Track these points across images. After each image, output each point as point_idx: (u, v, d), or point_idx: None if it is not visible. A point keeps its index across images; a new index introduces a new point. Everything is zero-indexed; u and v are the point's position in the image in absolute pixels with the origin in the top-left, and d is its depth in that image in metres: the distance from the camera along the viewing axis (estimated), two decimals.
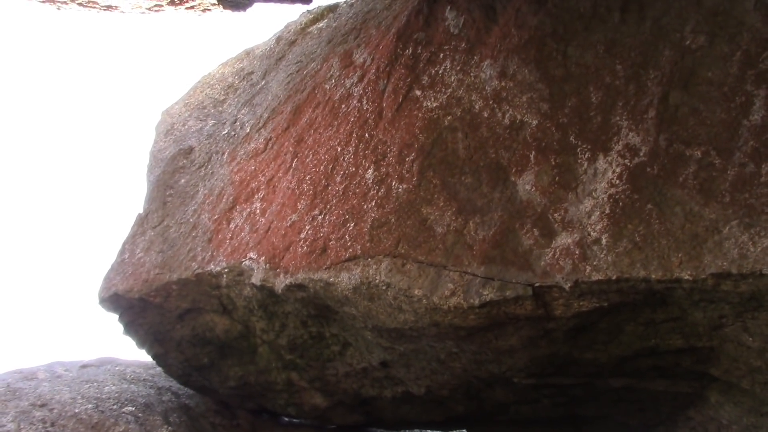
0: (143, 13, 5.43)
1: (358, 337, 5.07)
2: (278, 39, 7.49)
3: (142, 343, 6.65)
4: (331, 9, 6.95)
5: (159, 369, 7.09)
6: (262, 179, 5.73)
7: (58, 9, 5.27)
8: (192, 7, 5.38)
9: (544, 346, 4.11)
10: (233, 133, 6.68)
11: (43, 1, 5.11)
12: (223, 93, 7.54)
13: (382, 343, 4.84)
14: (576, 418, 5.33)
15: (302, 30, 7.14)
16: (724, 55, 3.56)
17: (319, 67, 6.09)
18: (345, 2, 6.78)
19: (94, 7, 5.27)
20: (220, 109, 7.33)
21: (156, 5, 5.24)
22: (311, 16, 7.19)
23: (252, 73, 7.42)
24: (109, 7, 5.27)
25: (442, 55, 4.79)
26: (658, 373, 4.25)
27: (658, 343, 3.91)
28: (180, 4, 5.27)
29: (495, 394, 5.02)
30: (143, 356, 6.99)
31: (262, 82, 7.00)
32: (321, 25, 6.86)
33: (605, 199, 3.63)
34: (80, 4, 5.18)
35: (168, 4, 5.23)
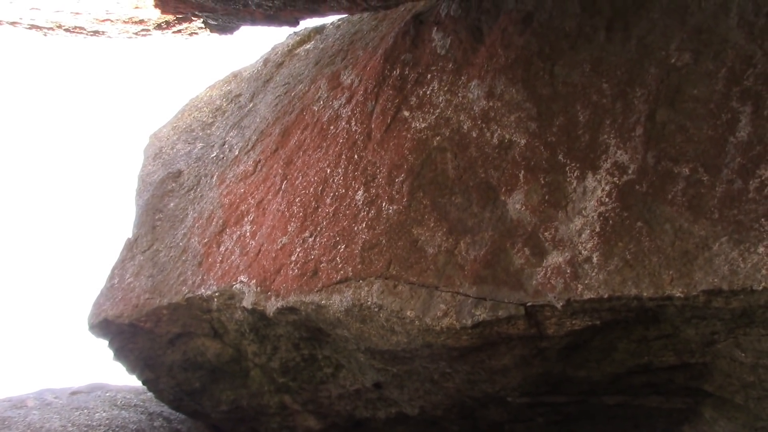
0: (130, 37, 5.43)
1: (351, 359, 5.04)
2: (265, 61, 7.51)
3: (132, 368, 6.59)
4: (318, 31, 6.98)
5: (150, 394, 7.03)
6: (252, 202, 5.72)
7: (45, 35, 5.26)
8: (179, 31, 5.38)
9: (538, 364, 4.10)
10: (222, 155, 6.67)
11: (30, 27, 5.10)
12: (211, 116, 7.54)
13: (375, 364, 4.81)
14: None
15: (289, 52, 7.17)
16: (709, 73, 3.58)
17: (306, 88, 6.11)
18: (331, 24, 6.81)
19: (81, 33, 5.26)
20: (209, 131, 7.32)
21: (143, 30, 5.24)
22: (298, 38, 7.22)
23: (240, 95, 7.43)
24: (96, 33, 5.27)
25: (429, 75, 4.80)
26: (652, 390, 4.23)
27: (651, 360, 3.90)
28: (167, 28, 5.27)
29: (489, 414, 4.99)
30: (134, 381, 6.93)
31: (250, 105, 7.00)
32: (308, 46, 6.89)
33: (595, 217, 3.64)
34: (67, 30, 5.17)
35: (155, 28, 5.23)
